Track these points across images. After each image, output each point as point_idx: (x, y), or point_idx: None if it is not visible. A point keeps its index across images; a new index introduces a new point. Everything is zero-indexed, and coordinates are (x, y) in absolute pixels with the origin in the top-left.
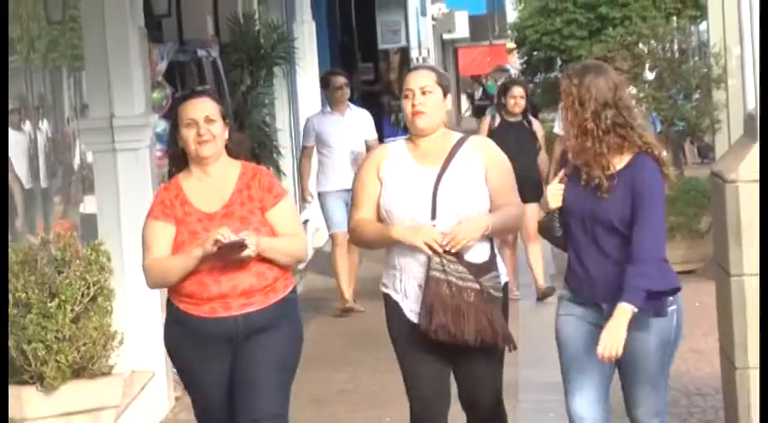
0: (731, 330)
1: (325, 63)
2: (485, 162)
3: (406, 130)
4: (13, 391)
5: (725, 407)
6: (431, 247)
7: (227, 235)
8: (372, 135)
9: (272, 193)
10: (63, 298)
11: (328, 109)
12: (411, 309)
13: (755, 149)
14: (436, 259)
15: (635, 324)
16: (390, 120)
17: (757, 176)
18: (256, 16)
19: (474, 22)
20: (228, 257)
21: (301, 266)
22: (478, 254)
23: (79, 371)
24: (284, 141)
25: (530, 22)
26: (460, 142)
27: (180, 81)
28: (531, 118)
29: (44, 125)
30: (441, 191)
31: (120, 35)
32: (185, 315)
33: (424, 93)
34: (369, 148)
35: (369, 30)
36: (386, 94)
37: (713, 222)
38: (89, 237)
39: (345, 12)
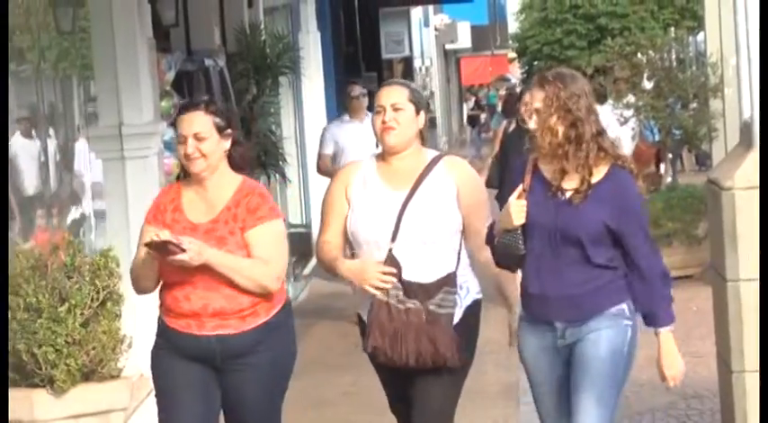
0: (727, 334)
1: (330, 72)
2: (457, 183)
3: None
4: (23, 393)
5: (721, 410)
6: (378, 288)
7: (164, 236)
8: None
9: (255, 215)
10: (73, 302)
11: (347, 117)
12: None
13: (751, 157)
14: None
15: (592, 324)
16: None
17: (754, 183)
18: (262, 27)
19: (476, 32)
20: (164, 257)
21: (307, 271)
22: (433, 272)
23: (88, 374)
24: (290, 149)
25: (531, 32)
26: (434, 162)
27: (188, 90)
28: None
29: (54, 133)
30: (406, 215)
31: (128, 45)
32: (165, 326)
33: (395, 109)
34: None
35: (373, 40)
36: None
37: (710, 228)
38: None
39: (350, 22)
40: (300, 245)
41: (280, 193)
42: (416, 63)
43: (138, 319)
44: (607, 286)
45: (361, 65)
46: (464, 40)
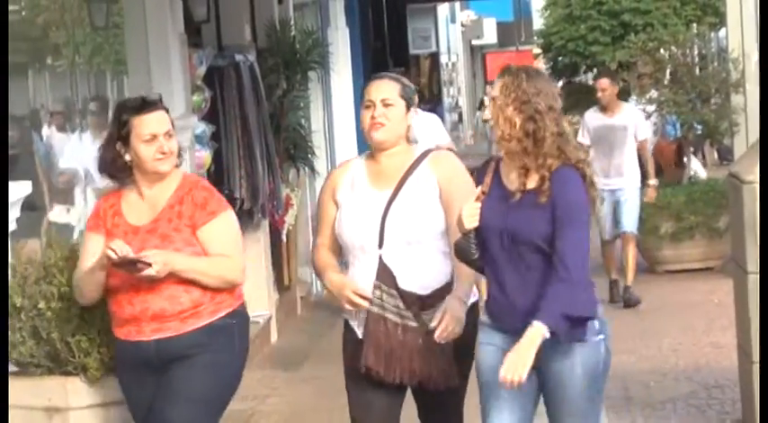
0: (748, 325)
1: (358, 68)
2: (439, 180)
3: None
4: (57, 381)
5: (742, 399)
6: (354, 304)
7: (119, 249)
8: (444, 139)
9: (205, 210)
10: None
11: None
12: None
13: None
14: (377, 292)
15: (559, 353)
16: None
17: None
18: (292, 23)
19: (502, 28)
20: (131, 273)
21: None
22: (429, 279)
23: None
24: (319, 142)
25: (555, 28)
26: (419, 159)
27: (219, 85)
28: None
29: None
30: (390, 216)
31: (161, 41)
32: (114, 335)
33: (385, 105)
34: None
35: (400, 36)
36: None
37: (731, 222)
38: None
39: (378, 19)
40: None
41: (309, 185)
42: (443, 59)
43: None
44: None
45: (388, 60)
46: (490, 35)
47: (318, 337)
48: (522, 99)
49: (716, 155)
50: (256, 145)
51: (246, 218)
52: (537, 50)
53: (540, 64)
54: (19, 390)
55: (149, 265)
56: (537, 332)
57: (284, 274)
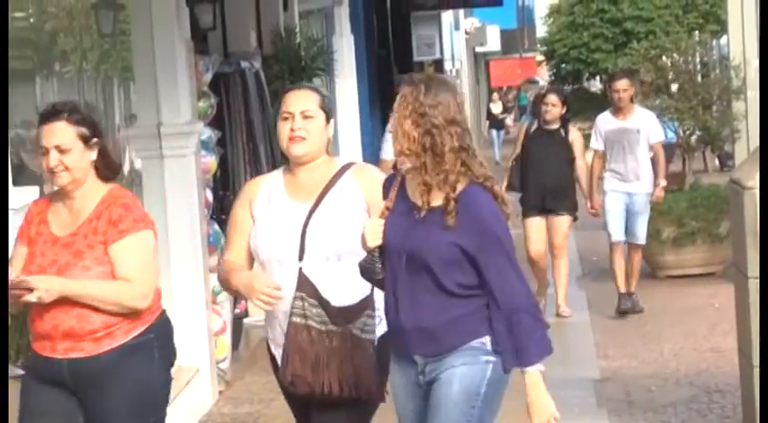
0: (749, 330)
1: (363, 74)
2: (363, 192)
3: None
4: None
5: (742, 404)
6: (269, 297)
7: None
8: None
9: (117, 228)
10: None
11: None
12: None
13: None
14: (298, 303)
15: (448, 361)
16: None
17: None
18: (297, 30)
19: (505, 35)
20: (17, 298)
21: None
22: (351, 293)
23: None
24: None
25: (558, 36)
26: (341, 171)
27: (224, 91)
28: (569, 127)
29: None
30: (311, 229)
31: (167, 47)
32: (29, 346)
33: (305, 117)
34: None
35: (405, 43)
36: None
37: (732, 227)
38: None
39: (383, 26)
40: None
41: None
42: (447, 65)
43: (175, 312)
44: (466, 317)
45: (393, 67)
46: (493, 43)
47: None
48: (419, 111)
49: (717, 162)
50: (261, 150)
51: None
52: (540, 58)
53: (544, 71)
54: None
55: (31, 290)
56: (533, 377)
57: None
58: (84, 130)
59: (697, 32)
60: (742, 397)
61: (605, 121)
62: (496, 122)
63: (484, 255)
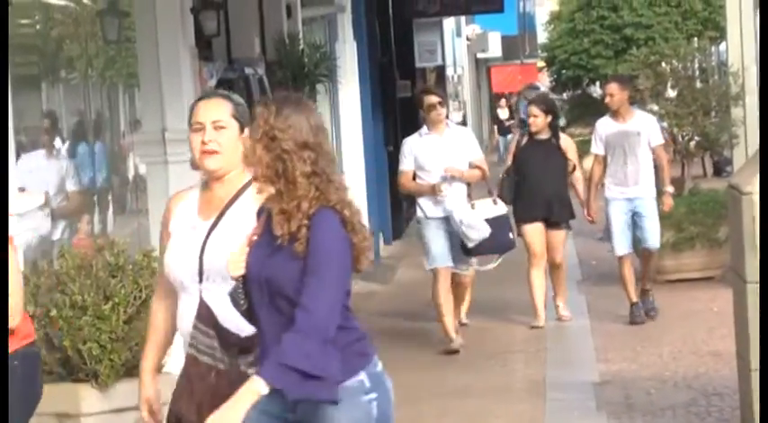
0: (747, 334)
1: (365, 80)
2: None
3: None
4: (69, 388)
5: (741, 407)
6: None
7: None
8: (477, 154)
9: None
10: (116, 301)
11: (425, 130)
12: None
13: None
14: (194, 332)
15: (317, 408)
16: None
17: None
18: (300, 36)
19: (506, 42)
20: None
21: None
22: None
23: (131, 369)
24: None
25: (559, 42)
26: (244, 188)
27: None
28: (560, 135)
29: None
30: (208, 249)
31: (172, 54)
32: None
33: (216, 127)
34: (473, 169)
35: (407, 49)
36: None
37: (730, 232)
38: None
39: (385, 32)
40: None
41: None
42: (449, 71)
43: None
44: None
45: (395, 73)
46: (495, 49)
47: None
48: (269, 135)
49: (712, 168)
50: None
51: None
52: (541, 64)
53: (545, 77)
54: None
55: None
56: (251, 388)
57: None
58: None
59: (696, 39)
60: (740, 400)
61: (605, 125)
62: (504, 128)
63: (306, 273)
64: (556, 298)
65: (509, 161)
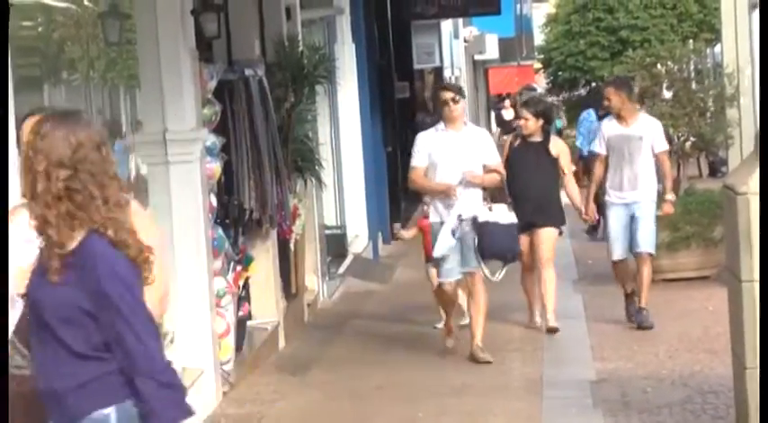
0: (742, 332)
1: (363, 82)
2: None
3: None
4: None
5: (735, 404)
6: None
7: None
8: (493, 158)
9: None
10: None
11: (441, 126)
12: None
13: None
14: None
15: None
16: None
17: None
18: (300, 38)
19: (503, 44)
20: None
21: (341, 270)
22: None
23: None
24: (326, 154)
25: (555, 44)
26: None
27: (228, 98)
28: (551, 139)
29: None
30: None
31: (172, 56)
32: None
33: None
34: (487, 173)
35: (405, 51)
36: (420, 110)
37: (725, 232)
38: None
39: (383, 34)
40: (335, 245)
41: (316, 196)
42: (446, 73)
43: (180, 315)
44: (92, 383)
45: (393, 75)
46: (492, 51)
47: (325, 343)
48: (28, 154)
49: (708, 168)
50: (265, 157)
51: (255, 227)
52: (538, 65)
53: (541, 78)
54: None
55: None
56: None
57: (292, 282)
58: None
59: (691, 41)
60: (735, 397)
61: (609, 126)
62: (510, 129)
63: (103, 315)
64: (545, 309)
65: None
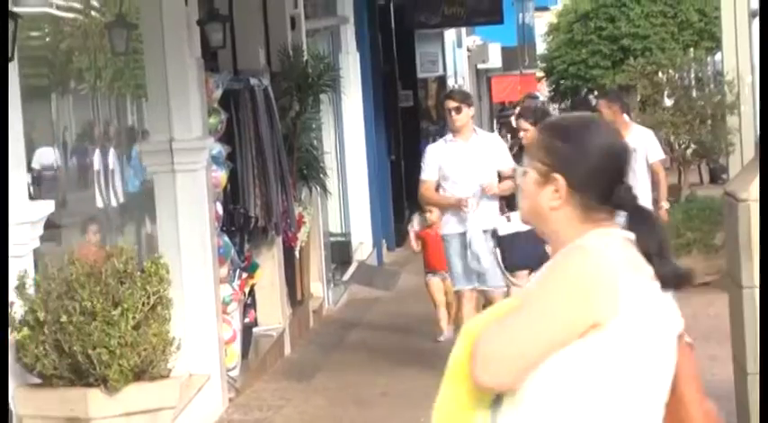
0: (743, 338)
1: (368, 90)
2: None
3: None
4: (79, 392)
5: (737, 410)
6: None
7: None
8: (506, 163)
9: None
10: (125, 307)
11: (450, 136)
12: None
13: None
14: None
15: None
16: (429, 144)
17: None
18: (305, 47)
19: (506, 53)
20: None
21: (346, 277)
22: None
23: (140, 374)
24: (330, 163)
25: (557, 53)
26: None
27: (234, 107)
28: None
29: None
30: None
31: (178, 65)
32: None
33: None
34: (502, 180)
35: (409, 60)
36: (424, 119)
37: (726, 238)
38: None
39: (387, 43)
40: (340, 253)
41: (321, 204)
42: (450, 81)
43: (187, 322)
44: None
45: (397, 83)
46: (495, 60)
47: (330, 349)
48: None
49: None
50: (270, 165)
51: (261, 235)
52: (540, 74)
53: (543, 87)
54: (42, 401)
55: None
56: None
57: (297, 289)
58: None
59: (692, 49)
60: (736, 403)
61: None
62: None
63: None
64: None
65: None
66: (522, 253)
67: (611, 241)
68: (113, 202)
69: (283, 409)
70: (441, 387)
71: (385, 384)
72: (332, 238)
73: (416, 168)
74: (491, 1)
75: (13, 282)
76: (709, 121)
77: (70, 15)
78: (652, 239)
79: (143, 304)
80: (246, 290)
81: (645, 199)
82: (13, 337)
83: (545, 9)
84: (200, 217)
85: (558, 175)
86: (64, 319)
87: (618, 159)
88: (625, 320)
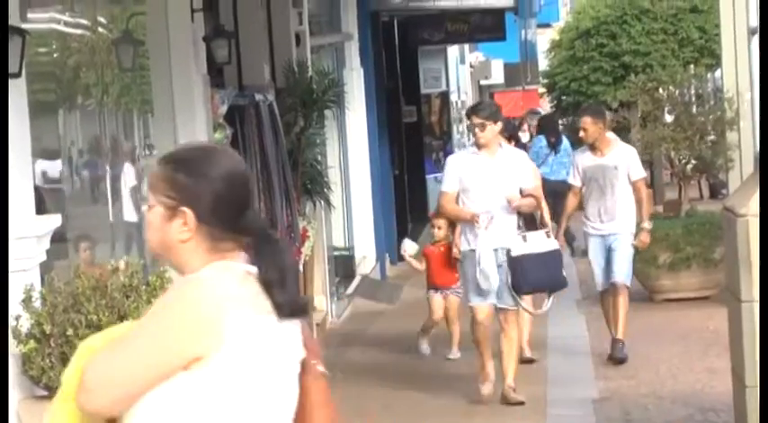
0: (741, 351)
1: (372, 106)
2: None
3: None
4: None
5: (735, 422)
6: None
7: None
8: (530, 182)
9: None
10: (131, 320)
11: (474, 149)
12: None
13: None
14: None
15: None
16: (432, 159)
17: None
18: (309, 64)
19: (508, 69)
20: None
21: (349, 291)
22: None
23: None
24: (335, 177)
25: (559, 69)
26: None
27: (239, 122)
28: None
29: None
30: None
31: (184, 81)
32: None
33: None
34: (524, 197)
35: (412, 76)
36: (427, 134)
37: (725, 253)
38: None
39: (391, 60)
40: (343, 266)
41: (325, 218)
42: (453, 97)
43: None
44: None
45: (401, 99)
46: (497, 76)
47: (333, 362)
48: None
49: (708, 191)
50: (275, 180)
51: None
52: (542, 90)
53: (545, 103)
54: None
55: None
56: None
57: None
58: None
59: (692, 66)
60: (735, 416)
61: (583, 157)
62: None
63: None
64: (520, 336)
65: None
66: (535, 277)
67: (227, 275)
68: (120, 217)
69: None
70: (54, 404)
71: (388, 397)
72: (335, 252)
73: (419, 183)
74: (494, 18)
75: (19, 295)
76: (709, 137)
77: (78, 32)
78: (274, 268)
79: None
80: None
81: (627, 220)
82: (19, 349)
83: (547, 26)
84: None
85: (186, 209)
86: (70, 332)
87: (241, 187)
88: (229, 355)
